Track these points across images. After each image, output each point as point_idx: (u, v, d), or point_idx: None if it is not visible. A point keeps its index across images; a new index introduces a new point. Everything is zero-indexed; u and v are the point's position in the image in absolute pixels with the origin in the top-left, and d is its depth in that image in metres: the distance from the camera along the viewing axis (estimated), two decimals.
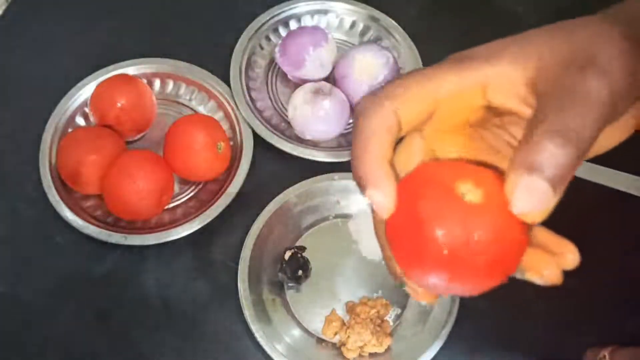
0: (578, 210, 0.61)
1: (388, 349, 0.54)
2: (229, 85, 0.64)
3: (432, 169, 0.27)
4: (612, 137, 0.31)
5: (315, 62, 0.62)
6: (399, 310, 0.57)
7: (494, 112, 0.30)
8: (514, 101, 0.28)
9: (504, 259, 0.25)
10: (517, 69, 0.28)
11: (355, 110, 0.28)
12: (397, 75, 0.29)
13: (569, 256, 0.28)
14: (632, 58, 0.26)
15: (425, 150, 0.30)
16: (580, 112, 0.25)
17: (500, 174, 0.26)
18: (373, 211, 0.29)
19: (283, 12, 0.69)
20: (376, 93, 0.28)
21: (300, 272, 0.56)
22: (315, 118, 0.60)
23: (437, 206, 0.25)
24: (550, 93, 0.26)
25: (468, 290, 0.26)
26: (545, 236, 0.28)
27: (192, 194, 0.61)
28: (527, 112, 0.28)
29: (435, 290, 0.28)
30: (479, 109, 0.30)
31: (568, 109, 0.25)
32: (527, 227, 0.26)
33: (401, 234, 0.26)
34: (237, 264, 0.56)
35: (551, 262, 0.28)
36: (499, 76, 0.28)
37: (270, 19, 0.68)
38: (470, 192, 0.25)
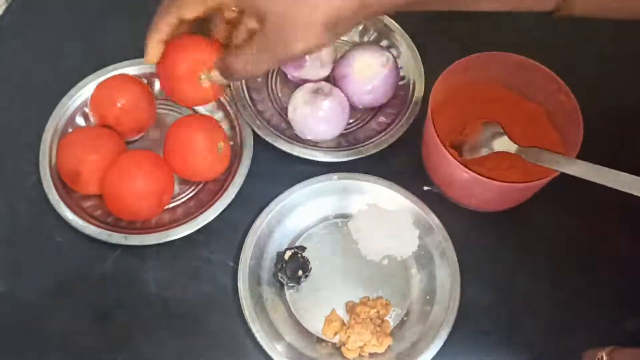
0: (578, 211, 0.61)
1: (388, 349, 0.54)
2: (229, 85, 0.64)
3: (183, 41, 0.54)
4: None
5: (315, 62, 0.62)
6: (399, 310, 0.57)
7: None
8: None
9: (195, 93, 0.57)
10: None
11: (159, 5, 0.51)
12: None
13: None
14: None
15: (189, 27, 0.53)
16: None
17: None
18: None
19: None
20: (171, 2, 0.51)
21: (300, 272, 0.56)
22: (315, 118, 0.60)
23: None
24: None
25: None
26: None
27: (192, 194, 0.61)
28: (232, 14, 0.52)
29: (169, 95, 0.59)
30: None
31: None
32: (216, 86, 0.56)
33: (162, 70, 0.56)
34: (237, 264, 0.56)
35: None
36: None
37: None
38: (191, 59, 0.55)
